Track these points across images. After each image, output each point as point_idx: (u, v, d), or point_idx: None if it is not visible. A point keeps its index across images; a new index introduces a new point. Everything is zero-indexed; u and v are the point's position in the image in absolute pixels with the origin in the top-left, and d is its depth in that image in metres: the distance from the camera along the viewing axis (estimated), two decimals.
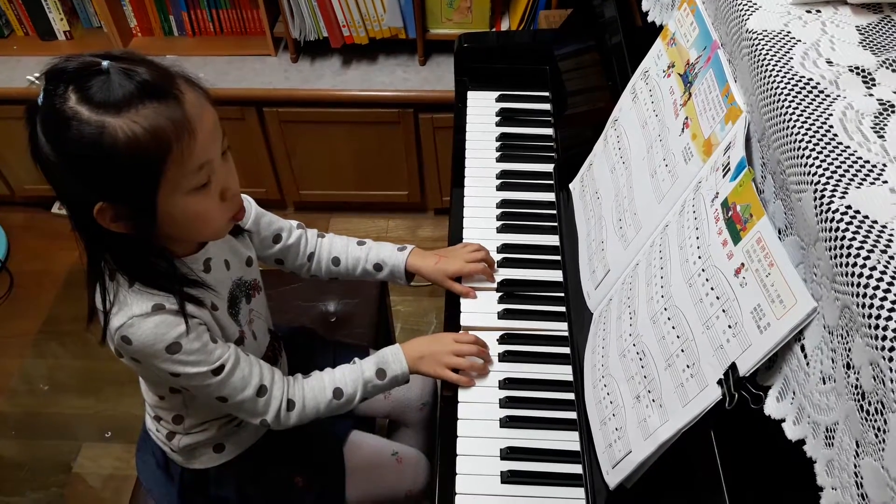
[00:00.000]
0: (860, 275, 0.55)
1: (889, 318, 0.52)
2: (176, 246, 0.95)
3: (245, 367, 1.00)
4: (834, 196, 0.60)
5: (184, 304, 0.92)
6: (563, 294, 1.18)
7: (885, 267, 0.54)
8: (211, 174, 0.87)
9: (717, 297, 0.75)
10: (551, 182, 1.35)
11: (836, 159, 0.63)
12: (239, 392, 0.99)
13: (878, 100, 0.68)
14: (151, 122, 0.79)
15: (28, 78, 0.84)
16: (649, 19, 1.16)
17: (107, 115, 0.78)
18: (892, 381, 0.50)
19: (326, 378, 1.07)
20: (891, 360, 0.50)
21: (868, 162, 0.62)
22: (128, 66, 0.80)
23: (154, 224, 0.86)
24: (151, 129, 0.79)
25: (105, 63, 0.79)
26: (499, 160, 1.41)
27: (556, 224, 1.28)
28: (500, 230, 1.30)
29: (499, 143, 1.44)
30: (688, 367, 0.77)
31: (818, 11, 0.78)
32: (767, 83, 0.72)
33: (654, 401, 0.82)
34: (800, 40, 0.75)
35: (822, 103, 0.68)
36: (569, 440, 1.02)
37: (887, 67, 0.72)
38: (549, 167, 1.38)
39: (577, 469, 0.99)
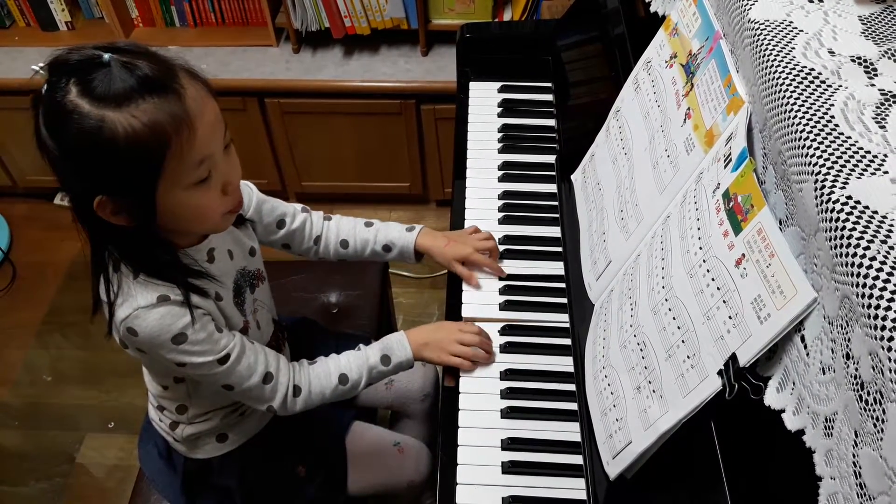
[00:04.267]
0: (860, 265, 0.55)
1: (888, 309, 0.52)
2: (179, 238, 0.95)
3: (251, 354, 1.00)
4: (835, 186, 0.60)
5: (188, 295, 0.92)
6: (564, 285, 1.18)
7: (885, 257, 0.54)
8: (212, 168, 0.87)
9: (718, 288, 0.75)
10: (553, 173, 1.35)
11: (838, 150, 0.62)
12: (245, 380, 1.00)
13: (879, 90, 0.68)
14: (151, 117, 0.79)
15: (32, 67, 0.83)
16: (652, 9, 1.15)
17: (106, 109, 0.78)
18: (890, 370, 0.50)
19: (332, 364, 1.08)
20: (890, 350, 0.50)
21: (869, 152, 0.62)
22: (129, 60, 0.79)
23: (154, 218, 0.86)
24: (151, 123, 0.79)
25: (107, 56, 0.79)
26: (500, 151, 1.41)
27: (557, 215, 1.28)
28: (502, 221, 1.30)
29: (500, 134, 1.44)
30: (688, 357, 0.78)
31: (821, 1, 0.78)
32: (769, 73, 0.72)
33: (654, 391, 0.83)
34: (802, 30, 0.75)
35: (823, 93, 0.68)
36: (570, 431, 1.03)
37: (889, 58, 0.71)
38: (550, 158, 1.37)
39: (577, 460, 1.00)
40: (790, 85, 0.69)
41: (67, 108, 0.78)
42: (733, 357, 0.70)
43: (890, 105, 0.67)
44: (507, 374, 1.09)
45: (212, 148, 0.86)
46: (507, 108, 1.49)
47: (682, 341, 0.79)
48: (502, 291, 1.20)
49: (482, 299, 1.19)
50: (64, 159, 0.82)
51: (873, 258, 0.54)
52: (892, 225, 0.56)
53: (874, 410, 0.53)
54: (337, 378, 1.07)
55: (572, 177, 1.24)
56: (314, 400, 1.06)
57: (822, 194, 0.60)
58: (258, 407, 1.05)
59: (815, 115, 0.66)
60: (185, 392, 1.07)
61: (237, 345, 0.98)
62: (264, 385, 1.02)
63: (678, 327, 0.80)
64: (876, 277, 0.53)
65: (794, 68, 0.70)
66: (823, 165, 0.62)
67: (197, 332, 0.93)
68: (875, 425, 0.53)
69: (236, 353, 0.98)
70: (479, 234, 1.23)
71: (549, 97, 1.50)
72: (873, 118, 0.65)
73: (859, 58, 0.71)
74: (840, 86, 0.68)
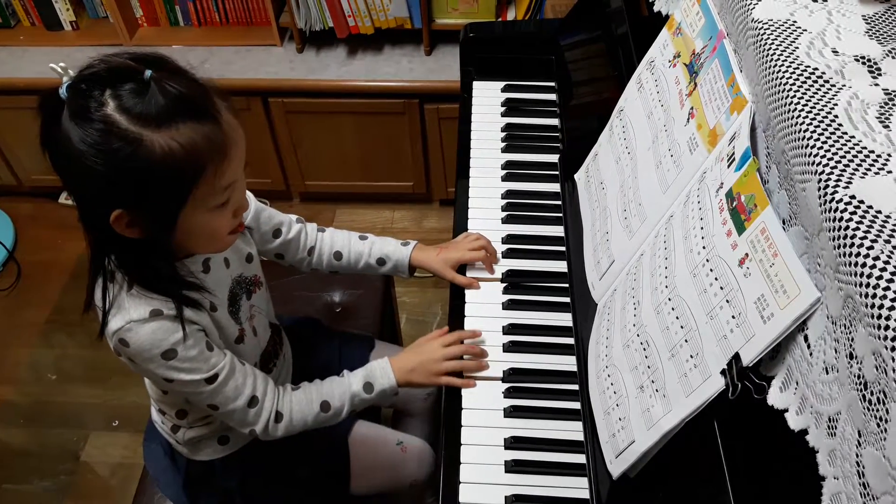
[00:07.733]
0: (864, 265, 0.55)
1: (892, 309, 0.52)
2: (176, 250, 0.95)
3: (239, 377, 1.00)
4: (838, 186, 0.60)
5: (181, 309, 0.92)
6: (567, 285, 1.18)
7: (889, 257, 0.54)
8: (232, 193, 0.88)
9: (721, 288, 0.75)
10: (556, 173, 1.35)
11: (841, 149, 0.62)
12: (231, 402, 0.99)
13: (883, 90, 0.68)
14: (189, 141, 0.79)
15: (53, 67, 0.82)
16: (655, 9, 1.15)
17: (145, 128, 0.78)
18: (894, 370, 0.50)
19: (314, 391, 1.08)
20: (893, 349, 0.50)
21: (873, 152, 0.62)
22: (169, 82, 0.79)
23: (171, 235, 0.87)
24: (189, 146, 0.79)
25: (147, 73, 0.78)
26: (504, 151, 1.41)
27: (560, 215, 1.28)
28: (505, 221, 1.30)
29: (504, 134, 1.44)
30: (691, 357, 0.78)
31: (824, 0, 0.78)
32: (773, 73, 0.72)
33: (657, 391, 0.82)
34: (805, 30, 0.75)
35: (827, 93, 0.68)
36: (573, 430, 1.03)
37: (893, 57, 0.71)
38: (554, 158, 1.38)
39: (580, 459, 1.00)
40: (794, 84, 0.69)
41: (103, 121, 0.77)
42: (736, 356, 0.70)
43: (894, 104, 0.66)
44: (510, 374, 1.09)
45: (237, 174, 0.87)
46: (511, 107, 1.49)
47: (686, 341, 0.79)
48: (505, 291, 1.20)
49: (485, 298, 1.19)
50: (91, 171, 0.80)
51: (877, 258, 0.54)
52: None
53: (878, 410, 0.53)
54: (319, 405, 1.06)
55: (576, 176, 1.24)
56: (296, 426, 1.06)
57: (826, 194, 0.60)
58: (240, 429, 1.04)
59: (818, 114, 0.66)
60: (184, 397, 1.07)
61: (226, 365, 0.98)
62: (249, 409, 1.01)
63: (681, 327, 0.80)
64: (880, 277, 0.53)
65: (797, 68, 0.70)
66: (827, 165, 0.62)
67: (188, 348, 0.93)
68: (878, 425, 0.53)
69: (224, 374, 0.97)
70: (469, 238, 1.23)
71: (553, 96, 1.50)
72: (877, 118, 0.65)
73: (863, 57, 0.71)
74: (844, 85, 0.68)
